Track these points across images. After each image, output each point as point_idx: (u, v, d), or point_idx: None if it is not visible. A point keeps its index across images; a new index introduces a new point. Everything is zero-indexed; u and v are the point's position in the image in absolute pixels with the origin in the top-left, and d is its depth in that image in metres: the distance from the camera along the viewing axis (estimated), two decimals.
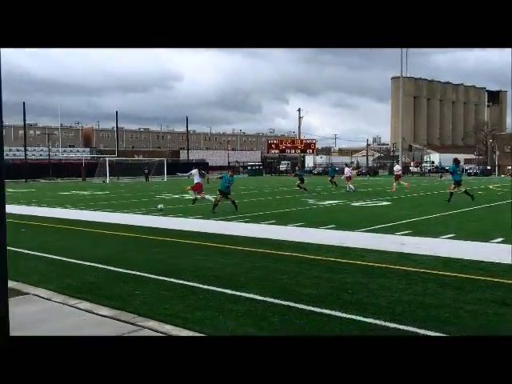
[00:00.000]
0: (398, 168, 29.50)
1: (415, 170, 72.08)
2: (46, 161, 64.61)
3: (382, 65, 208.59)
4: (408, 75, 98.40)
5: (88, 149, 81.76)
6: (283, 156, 79.90)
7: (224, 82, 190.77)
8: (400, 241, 9.86)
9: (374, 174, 66.33)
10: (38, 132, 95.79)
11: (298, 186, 26.80)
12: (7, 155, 68.05)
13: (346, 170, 28.11)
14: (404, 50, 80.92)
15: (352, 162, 40.26)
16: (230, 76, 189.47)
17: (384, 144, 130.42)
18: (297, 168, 35.09)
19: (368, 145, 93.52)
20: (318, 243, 9.63)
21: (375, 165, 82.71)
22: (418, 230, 11.25)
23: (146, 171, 49.25)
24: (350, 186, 26.55)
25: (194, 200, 18.68)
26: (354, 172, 28.14)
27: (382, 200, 20.95)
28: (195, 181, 18.64)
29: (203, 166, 50.03)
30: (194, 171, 18.94)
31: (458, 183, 18.18)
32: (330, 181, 31.43)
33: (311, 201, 20.92)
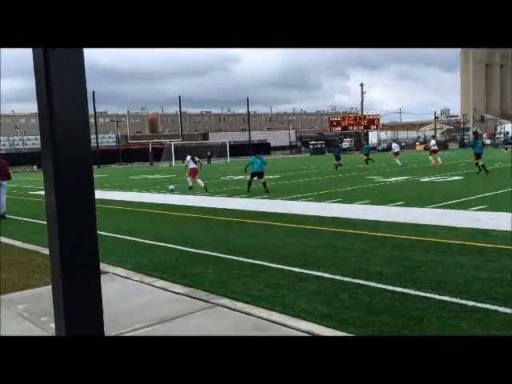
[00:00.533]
0: (433, 143, 29.25)
1: (488, 142, 68.15)
2: (116, 147, 67.45)
3: None
4: None
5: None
6: (340, 134, 77.98)
7: (282, 60, 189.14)
8: (474, 216, 9.41)
9: (444, 147, 63.63)
10: (107, 120, 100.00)
11: (335, 164, 28.20)
12: None
13: (394, 145, 29.68)
14: None
15: (433, 136, 38.89)
16: (287, 54, 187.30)
17: (453, 116, 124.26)
18: (365, 143, 34.44)
19: (436, 117, 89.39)
20: (386, 221, 9.40)
21: (444, 138, 79.14)
22: (494, 205, 10.67)
23: (208, 154, 50.59)
24: (397, 161, 27.43)
25: (191, 187, 18.86)
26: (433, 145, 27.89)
27: (454, 175, 20.04)
28: (190, 167, 19.17)
29: (262, 147, 50.06)
30: (188, 158, 19.35)
31: (478, 156, 19.07)
32: (366, 160, 31.43)
33: (377, 178, 20.40)
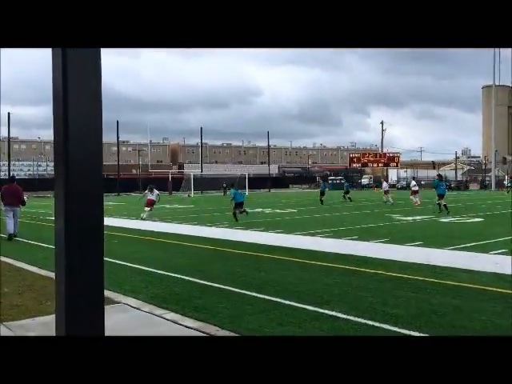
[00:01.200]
0: (413, 183, 30.24)
1: (510, 184, 67.16)
2: (137, 175, 68.39)
3: (470, 73, 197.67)
4: (501, 83, 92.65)
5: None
6: (323, 170, 77.53)
7: (303, 95, 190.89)
8: (494, 260, 9.18)
9: (465, 188, 62.97)
10: (129, 149, 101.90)
11: (343, 196, 31.69)
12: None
13: (384, 184, 31.16)
14: (496, 55, 76.34)
15: (414, 178, 39.84)
16: (309, 89, 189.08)
17: (475, 157, 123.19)
18: (383, 181, 35.03)
19: (457, 157, 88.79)
20: (403, 261, 9.23)
21: (465, 178, 78.28)
22: None
23: (224, 185, 50.72)
24: (389, 198, 28.74)
25: (143, 218, 19.75)
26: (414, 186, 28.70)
27: (473, 216, 19.72)
28: (148, 197, 20.59)
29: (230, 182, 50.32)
30: (147, 190, 21.04)
31: (441, 196, 20.76)
32: (344, 196, 32.93)
33: (396, 216, 20.18)
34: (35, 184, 62.19)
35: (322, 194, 30.52)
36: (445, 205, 20.17)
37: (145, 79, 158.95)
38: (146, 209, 20.15)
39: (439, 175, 24.04)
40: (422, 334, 4.89)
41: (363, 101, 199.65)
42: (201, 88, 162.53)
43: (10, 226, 13.37)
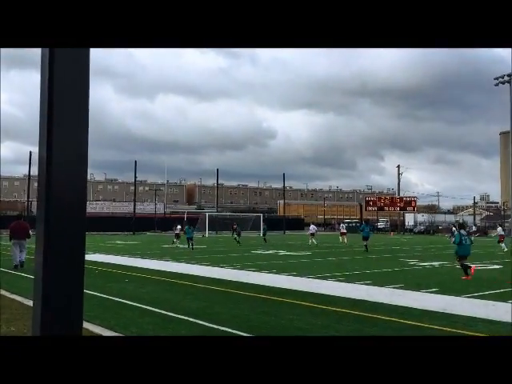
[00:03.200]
0: (342, 226, 35.14)
1: None
2: (153, 215, 68.87)
3: (486, 119, 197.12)
4: None
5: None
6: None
7: (317, 138, 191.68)
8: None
9: (484, 234, 61.93)
10: (146, 188, 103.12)
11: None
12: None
13: (312, 227, 33.32)
14: None
15: (343, 221, 42.07)
16: (323, 133, 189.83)
17: (493, 202, 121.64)
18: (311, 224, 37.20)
19: (475, 203, 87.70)
20: (418, 308, 8.96)
21: (484, 224, 77.03)
22: None
23: (234, 227, 50.35)
24: (313, 241, 31.28)
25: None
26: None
27: (492, 263, 19.23)
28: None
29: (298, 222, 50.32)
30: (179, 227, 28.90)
31: (366, 238, 24.95)
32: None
33: (412, 261, 19.79)
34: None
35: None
36: (365, 245, 23.09)
37: (160, 121, 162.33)
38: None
39: (365, 220, 27.78)
40: None
41: (377, 145, 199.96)
42: (215, 130, 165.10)
43: (16, 257, 15.30)
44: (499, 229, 30.09)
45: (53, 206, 1.26)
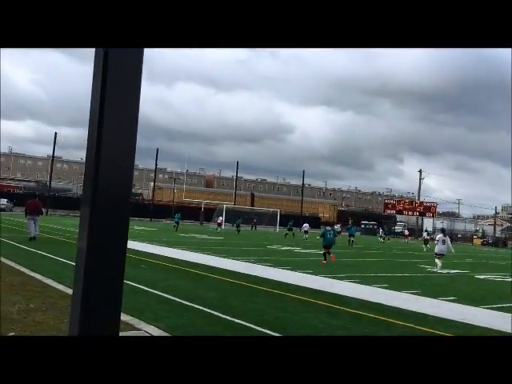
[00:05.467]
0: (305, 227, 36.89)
1: None
2: (170, 203, 69.35)
3: (509, 127, 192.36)
4: None
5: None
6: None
7: (335, 136, 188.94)
8: None
9: (503, 245, 60.90)
10: (166, 176, 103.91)
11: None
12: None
13: (305, 224, 36.93)
14: None
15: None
16: (341, 131, 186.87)
17: None
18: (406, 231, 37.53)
19: (496, 213, 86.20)
20: (436, 315, 8.83)
21: (504, 235, 75.67)
22: None
23: (254, 220, 51.89)
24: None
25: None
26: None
27: (510, 275, 18.87)
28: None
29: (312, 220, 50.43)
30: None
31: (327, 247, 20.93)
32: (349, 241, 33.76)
33: (429, 267, 19.54)
34: (73, 204, 63.87)
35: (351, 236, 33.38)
36: (324, 253, 20.28)
37: (177, 110, 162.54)
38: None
39: (330, 225, 26.10)
40: None
41: (396, 147, 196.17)
42: (232, 122, 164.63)
43: (32, 230, 17.87)
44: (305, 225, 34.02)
45: (100, 196, 1.24)
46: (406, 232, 49.99)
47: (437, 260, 18.36)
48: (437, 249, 18.48)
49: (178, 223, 37.71)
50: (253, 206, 72.17)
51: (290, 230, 40.06)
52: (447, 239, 18.69)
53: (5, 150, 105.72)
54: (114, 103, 1.25)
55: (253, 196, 74.94)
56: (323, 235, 19.31)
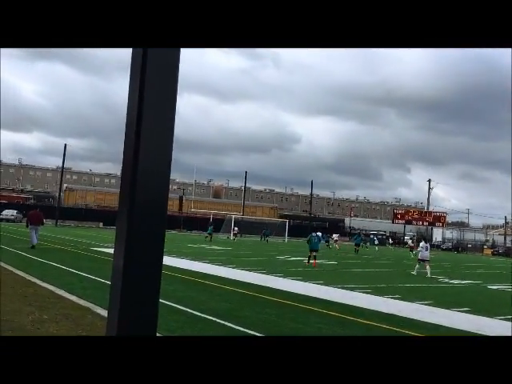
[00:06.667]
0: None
1: None
2: (179, 213, 69.48)
3: (508, 136, 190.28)
4: None
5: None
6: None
7: (340, 146, 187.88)
8: None
9: None
10: (174, 187, 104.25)
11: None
12: None
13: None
14: None
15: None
16: (347, 141, 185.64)
17: None
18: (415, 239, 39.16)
19: (506, 223, 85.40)
20: (450, 327, 8.72)
21: None
22: None
23: (263, 231, 52.78)
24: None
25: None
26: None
27: None
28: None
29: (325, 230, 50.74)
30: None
31: (312, 251, 21.51)
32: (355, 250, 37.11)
33: (441, 278, 19.36)
34: (82, 214, 64.21)
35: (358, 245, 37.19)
36: (309, 256, 21.17)
37: (183, 120, 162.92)
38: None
39: (315, 230, 28.01)
40: None
41: (402, 156, 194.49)
42: (238, 132, 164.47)
43: (33, 239, 19.02)
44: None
45: (136, 208, 1.24)
46: (410, 242, 48.56)
47: (418, 265, 20.31)
48: (420, 255, 20.45)
49: (210, 234, 40.60)
50: (181, 209, 72.48)
51: (210, 234, 41.21)
52: (428, 246, 21.08)
53: (15, 161, 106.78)
54: (152, 107, 1.24)
55: (181, 199, 75.15)
56: (309, 240, 21.27)
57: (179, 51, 1.27)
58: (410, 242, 42.12)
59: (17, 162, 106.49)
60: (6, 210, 53.44)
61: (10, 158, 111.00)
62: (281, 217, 77.28)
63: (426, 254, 20.03)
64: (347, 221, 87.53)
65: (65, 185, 71.64)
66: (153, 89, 1.22)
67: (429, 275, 18.95)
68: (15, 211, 53.74)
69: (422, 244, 20.91)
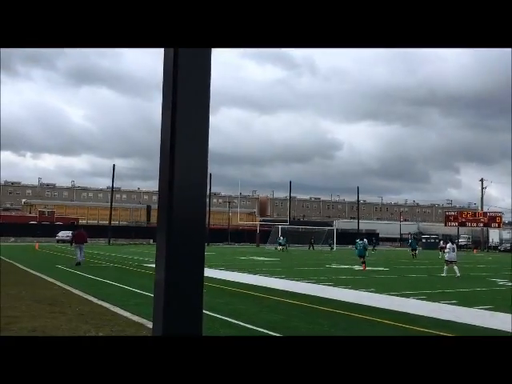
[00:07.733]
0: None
1: None
2: (226, 227, 70.12)
3: None
4: None
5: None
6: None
7: (384, 150, 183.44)
8: None
9: None
10: (220, 200, 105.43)
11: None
12: None
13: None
14: None
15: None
16: (390, 144, 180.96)
17: None
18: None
19: None
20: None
21: None
22: None
23: (311, 240, 54.66)
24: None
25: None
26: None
27: None
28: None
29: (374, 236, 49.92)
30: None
31: (360, 257, 23.54)
32: (412, 255, 37.50)
33: (501, 281, 18.48)
34: (133, 232, 65.97)
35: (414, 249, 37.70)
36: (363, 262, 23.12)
37: (223, 134, 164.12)
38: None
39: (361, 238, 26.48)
40: None
41: (450, 157, 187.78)
42: (279, 143, 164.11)
43: (79, 256, 20.44)
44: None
45: (174, 222, 1.24)
46: (442, 243, 43.45)
47: (446, 267, 20.31)
48: (447, 256, 20.53)
49: (283, 245, 45.05)
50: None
51: (283, 245, 45.76)
52: (455, 248, 21.15)
53: (68, 184, 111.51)
54: (186, 111, 1.24)
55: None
56: (356, 247, 23.71)
57: (210, 51, 1.27)
58: (441, 242, 42.79)
59: (69, 185, 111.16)
60: (62, 232, 55.63)
61: (62, 181, 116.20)
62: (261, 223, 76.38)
63: (453, 255, 20.30)
64: (395, 226, 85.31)
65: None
66: (185, 94, 1.22)
67: (458, 274, 19.27)
68: (70, 232, 55.93)
69: (448, 245, 21.16)
